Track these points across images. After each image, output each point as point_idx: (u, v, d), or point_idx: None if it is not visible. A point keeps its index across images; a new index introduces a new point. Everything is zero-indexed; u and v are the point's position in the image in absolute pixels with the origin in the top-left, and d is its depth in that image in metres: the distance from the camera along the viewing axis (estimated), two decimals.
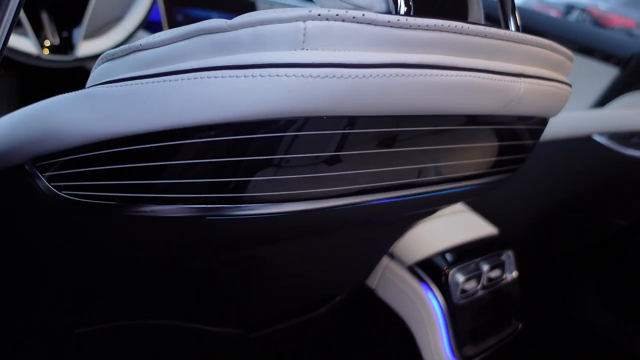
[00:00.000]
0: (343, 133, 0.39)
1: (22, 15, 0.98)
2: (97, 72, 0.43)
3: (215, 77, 0.34)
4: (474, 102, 0.43)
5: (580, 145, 1.02)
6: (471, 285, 0.94)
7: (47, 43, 1.02)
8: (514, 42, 0.45)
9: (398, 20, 0.35)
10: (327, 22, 0.34)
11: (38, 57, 1.00)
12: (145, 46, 0.39)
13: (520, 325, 1.04)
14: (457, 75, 0.39)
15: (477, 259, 0.98)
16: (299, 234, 0.53)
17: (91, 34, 1.08)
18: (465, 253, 0.97)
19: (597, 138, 1.00)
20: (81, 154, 0.40)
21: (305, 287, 0.72)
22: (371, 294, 0.96)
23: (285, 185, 0.41)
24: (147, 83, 0.36)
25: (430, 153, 0.50)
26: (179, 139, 0.37)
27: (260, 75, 0.33)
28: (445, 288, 0.90)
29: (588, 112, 1.02)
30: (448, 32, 0.38)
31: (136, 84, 0.36)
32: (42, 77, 1.14)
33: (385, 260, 0.94)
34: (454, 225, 1.02)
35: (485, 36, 0.41)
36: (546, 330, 1.54)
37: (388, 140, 0.44)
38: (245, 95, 0.33)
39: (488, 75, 0.42)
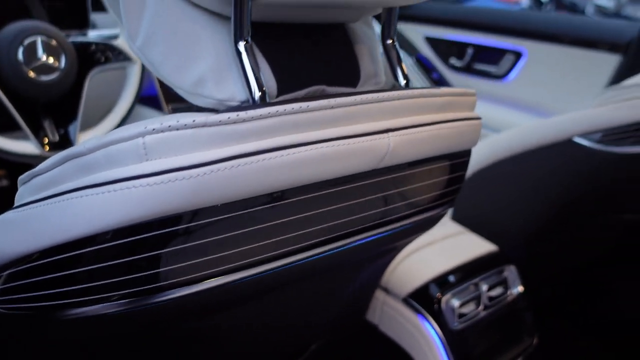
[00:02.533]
0: (234, 215, 0.44)
1: (21, 120, 1.08)
2: (16, 196, 0.49)
3: (80, 196, 0.39)
4: (340, 168, 0.46)
5: (564, 149, 1.01)
6: (470, 307, 0.94)
7: (46, 140, 1.12)
8: (375, 102, 0.48)
9: (229, 117, 0.39)
10: (162, 133, 0.38)
11: (41, 156, 1.10)
12: (38, 172, 0.45)
13: (535, 340, 1.03)
14: (302, 151, 0.42)
15: (475, 280, 0.98)
16: (237, 300, 0.57)
17: (87, 125, 1.18)
18: (461, 275, 0.97)
19: (578, 139, 1.00)
20: (2, 272, 0.46)
21: (274, 343, 0.75)
22: (374, 330, 0.97)
23: (197, 266, 0.45)
24: (35, 207, 0.42)
25: (342, 208, 0.53)
26: (76, 250, 0.42)
27: (114, 190, 0.38)
28: (439, 316, 0.91)
29: (564, 116, 1.01)
30: (285, 114, 0.42)
31: (30, 208, 0.42)
32: None
33: (382, 295, 0.96)
34: (449, 249, 1.03)
35: (332, 107, 0.45)
36: (598, 330, 1.50)
37: (283, 211, 0.47)
38: (105, 209, 0.38)
39: (341, 142, 0.45)
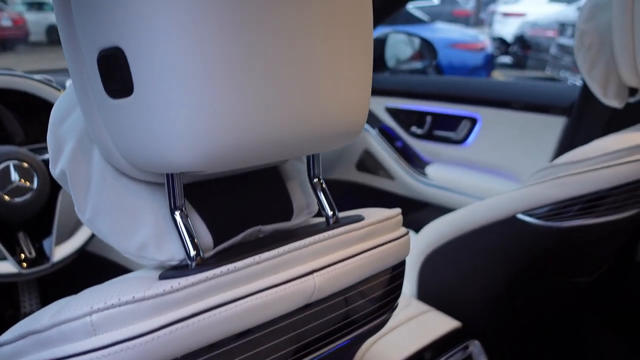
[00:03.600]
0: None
1: None
2: None
3: None
4: (271, 313, 0.52)
5: (508, 226, 1.08)
6: None
7: (23, 257, 1.17)
8: (298, 249, 0.54)
9: (164, 290, 0.46)
10: (106, 311, 0.44)
11: (20, 274, 1.15)
12: (2, 342, 0.50)
13: None
14: (234, 307, 0.48)
15: (440, 359, 1.03)
16: None
17: (62, 238, 1.23)
18: (425, 357, 1.02)
19: (520, 216, 1.07)
20: None
21: None
22: None
23: None
24: None
25: (285, 340, 0.59)
26: None
27: None
28: None
29: (506, 194, 1.09)
30: (215, 278, 0.48)
31: None
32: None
33: None
34: (414, 331, 1.08)
35: (258, 263, 0.51)
36: None
37: (231, 353, 0.53)
38: None
39: (269, 292, 0.51)
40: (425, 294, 1.24)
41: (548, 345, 1.58)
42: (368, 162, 2.22)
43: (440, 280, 1.23)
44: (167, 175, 0.51)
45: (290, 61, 0.48)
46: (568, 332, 1.59)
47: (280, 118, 0.48)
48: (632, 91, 1.18)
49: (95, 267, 1.59)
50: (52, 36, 13.59)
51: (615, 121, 1.51)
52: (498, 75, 8.35)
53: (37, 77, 1.28)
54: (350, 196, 2.29)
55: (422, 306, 1.16)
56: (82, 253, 1.29)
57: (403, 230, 0.68)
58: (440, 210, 1.83)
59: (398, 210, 0.68)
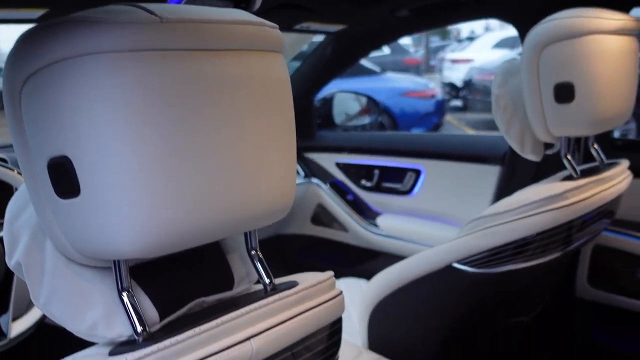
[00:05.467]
0: None
1: None
2: None
3: None
4: None
5: (446, 274, 1.17)
6: None
7: None
8: (234, 319, 0.61)
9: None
10: None
11: None
12: None
13: None
14: None
15: None
16: None
17: (18, 313, 1.26)
18: None
19: (456, 265, 1.15)
20: None
21: None
22: None
23: None
24: None
25: None
26: None
27: None
28: None
29: (442, 246, 1.18)
30: (158, 352, 0.54)
31: None
32: None
33: None
34: None
35: (197, 334, 0.57)
36: None
37: None
38: None
39: (211, 359, 0.57)
40: (376, 344, 1.30)
41: None
42: (322, 216, 2.29)
43: (389, 329, 1.29)
44: (114, 261, 0.57)
45: (221, 154, 0.55)
46: None
47: (214, 205, 0.56)
48: (548, 145, 1.30)
49: (53, 338, 1.59)
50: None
51: (543, 168, 1.64)
52: (450, 118, 8.65)
53: None
54: (306, 250, 2.36)
55: (373, 356, 1.22)
56: (41, 326, 1.31)
57: (336, 291, 0.75)
58: (392, 258, 1.91)
59: (330, 273, 0.75)
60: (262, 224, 0.65)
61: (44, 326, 1.48)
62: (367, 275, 1.58)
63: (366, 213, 2.18)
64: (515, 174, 1.73)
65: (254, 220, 0.62)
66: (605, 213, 1.30)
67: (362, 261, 2.15)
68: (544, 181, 1.26)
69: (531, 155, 1.25)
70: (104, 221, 0.51)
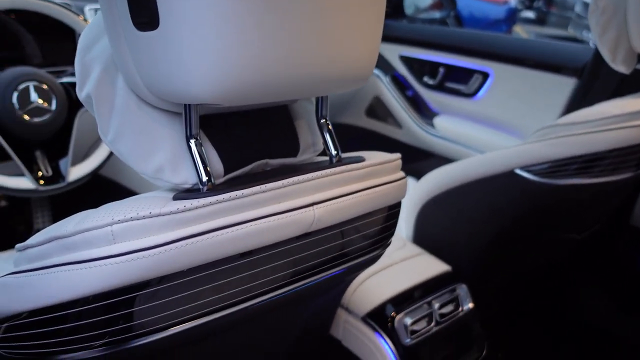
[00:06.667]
0: (196, 277, 0.55)
1: (17, 158, 1.19)
2: (14, 261, 0.60)
3: (65, 270, 0.50)
4: (274, 237, 0.57)
5: (506, 179, 1.13)
6: (422, 324, 1.06)
7: (40, 174, 1.22)
8: (300, 183, 0.59)
9: (177, 208, 0.51)
10: (126, 223, 0.49)
11: (36, 190, 1.21)
12: (31, 245, 0.56)
13: (484, 352, 1.14)
14: (239, 229, 0.54)
15: (429, 298, 1.09)
16: (204, 338, 0.68)
17: (78, 159, 1.29)
18: (415, 295, 1.09)
19: (518, 171, 1.11)
20: (1, 324, 0.57)
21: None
22: (339, 344, 1.09)
23: (165, 317, 0.56)
24: (28, 276, 0.53)
25: (300, 258, 0.65)
26: (60, 311, 0.53)
27: (90, 267, 0.49)
28: (393, 333, 1.02)
29: (507, 150, 1.12)
30: (224, 202, 0.53)
31: (24, 276, 0.53)
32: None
33: (344, 314, 1.07)
34: (406, 271, 1.14)
35: (264, 191, 0.56)
36: (556, 333, 1.62)
37: (238, 269, 0.59)
38: (84, 281, 0.49)
39: (272, 218, 0.56)
40: (421, 238, 1.29)
41: (533, 297, 1.65)
42: (378, 109, 2.24)
43: (435, 226, 1.28)
44: (185, 105, 0.55)
45: (308, 10, 0.51)
46: (554, 286, 1.66)
47: (293, 59, 0.52)
48: None
49: (106, 190, 1.65)
50: None
51: (625, 86, 1.52)
52: (519, 30, 8.16)
53: (55, 0, 1.30)
54: (357, 141, 2.33)
55: (416, 249, 1.22)
56: (96, 176, 1.34)
57: (401, 174, 0.72)
58: (444, 160, 1.86)
59: (398, 155, 0.72)
60: (339, 89, 0.61)
61: (99, 177, 1.52)
62: (416, 175, 1.55)
63: (424, 112, 2.11)
64: (593, 89, 1.61)
65: (330, 84, 0.59)
66: None
67: (412, 160, 2.11)
68: (629, 96, 1.16)
69: (621, 66, 1.15)
70: (179, 60, 0.48)
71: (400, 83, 2.16)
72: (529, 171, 1.09)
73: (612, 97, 1.25)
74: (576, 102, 1.66)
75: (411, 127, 2.09)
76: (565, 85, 1.71)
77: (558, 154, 1.06)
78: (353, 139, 2.33)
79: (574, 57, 1.70)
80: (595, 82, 1.62)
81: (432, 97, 2.09)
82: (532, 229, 1.23)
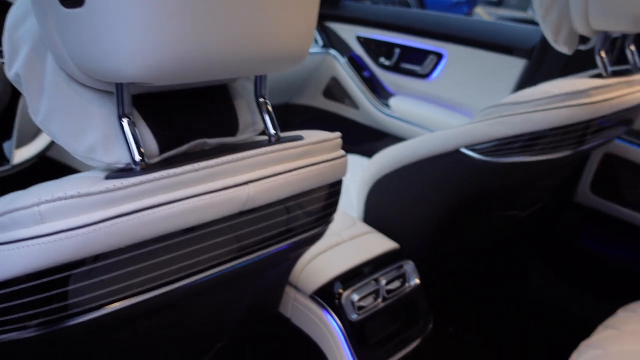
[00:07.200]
0: (130, 256, 0.55)
1: None
2: None
3: None
4: (207, 215, 0.58)
5: (452, 158, 1.15)
6: (369, 301, 1.08)
7: None
8: (234, 161, 0.59)
9: (107, 187, 0.51)
10: (53, 202, 0.49)
11: None
12: None
13: (430, 325, 1.18)
14: (171, 208, 0.54)
15: (376, 275, 1.12)
16: (145, 315, 0.69)
17: (24, 142, 1.26)
18: (362, 272, 1.11)
19: (464, 150, 1.13)
20: None
21: (190, 342, 0.87)
22: (287, 322, 1.10)
23: (101, 296, 0.56)
24: None
25: (242, 234, 0.65)
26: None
27: (18, 247, 0.49)
28: (340, 310, 1.04)
29: (452, 129, 1.15)
30: (156, 180, 0.53)
31: None
32: None
33: (292, 291, 1.09)
34: (354, 248, 1.16)
35: (197, 170, 0.56)
36: (503, 305, 1.68)
37: (177, 246, 0.59)
38: (12, 261, 0.49)
39: (205, 197, 0.56)
40: (371, 217, 1.32)
41: (481, 274, 1.70)
42: (335, 90, 2.25)
43: (385, 205, 1.31)
44: (117, 84, 0.55)
45: None
46: (501, 262, 1.72)
47: (227, 37, 0.52)
48: (584, 39, 1.22)
49: (54, 172, 1.62)
50: None
51: (571, 67, 1.57)
52: (481, 12, 8.24)
53: None
54: (314, 122, 2.33)
55: (366, 227, 1.24)
56: (43, 159, 1.32)
57: (340, 152, 0.73)
58: (399, 141, 1.89)
59: (337, 133, 0.73)
60: (274, 69, 0.62)
61: (46, 159, 1.49)
62: (372, 154, 1.58)
63: (380, 92, 2.13)
64: (541, 69, 1.66)
65: (265, 63, 0.59)
66: (624, 120, 1.26)
67: (369, 140, 2.14)
68: (571, 76, 1.20)
69: (563, 46, 1.19)
70: (107, 37, 0.48)
71: (357, 63, 2.17)
72: (474, 150, 1.12)
73: (559, 77, 1.29)
74: (525, 82, 1.71)
75: (367, 108, 2.11)
76: (515, 66, 1.75)
77: (501, 133, 1.09)
78: (310, 120, 2.34)
79: (524, 39, 1.74)
80: (543, 62, 1.67)
81: (387, 78, 2.11)
82: (478, 207, 1.27)
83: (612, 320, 1.13)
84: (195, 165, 0.56)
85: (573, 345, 1.07)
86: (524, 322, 1.68)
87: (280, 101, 2.30)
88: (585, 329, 1.11)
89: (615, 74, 1.18)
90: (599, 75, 1.18)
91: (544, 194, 1.46)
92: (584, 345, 1.07)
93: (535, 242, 1.74)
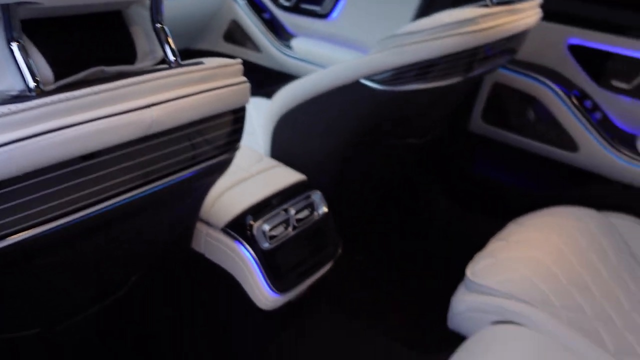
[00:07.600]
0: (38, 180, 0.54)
1: None
2: None
3: None
4: (111, 139, 0.58)
5: (353, 90, 1.19)
6: (279, 230, 1.12)
7: None
8: (135, 84, 0.59)
9: (1, 112, 0.49)
10: None
11: None
12: None
13: (340, 250, 1.24)
14: (72, 131, 0.53)
15: (285, 205, 1.15)
16: (57, 245, 0.67)
17: None
18: (272, 203, 1.14)
19: (363, 81, 1.18)
20: None
21: (104, 274, 0.87)
22: (201, 258, 1.12)
23: (12, 222, 0.55)
24: None
25: (145, 161, 0.65)
26: None
27: None
28: (252, 240, 1.07)
29: (352, 61, 1.18)
30: (53, 104, 0.52)
31: None
32: None
33: (204, 227, 1.10)
34: (262, 182, 1.19)
35: (96, 93, 0.55)
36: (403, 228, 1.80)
37: (85, 171, 0.58)
38: None
39: (105, 120, 0.56)
40: (277, 153, 1.34)
41: (384, 202, 1.79)
42: (236, 34, 2.21)
43: (291, 140, 1.33)
44: (2, 5, 0.52)
45: None
46: (402, 190, 1.81)
47: None
48: None
49: None
50: None
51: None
52: None
53: None
54: None
55: (273, 162, 1.27)
56: None
57: (242, 78, 0.74)
58: None
59: (238, 60, 0.74)
60: None
61: None
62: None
63: (282, 34, 2.12)
64: (436, 2, 1.72)
65: None
66: (508, 49, 1.35)
67: (273, 83, 2.14)
68: (464, 6, 1.26)
69: None
70: None
71: (256, 5, 2.14)
72: (372, 80, 1.16)
73: (454, 6, 1.35)
74: (423, 14, 1.76)
75: (270, 51, 2.10)
76: (412, 1, 1.81)
77: (398, 62, 1.14)
78: None
79: None
80: None
81: (288, 20, 2.11)
82: (378, 137, 1.33)
83: (502, 234, 1.24)
84: (95, 89, 0.55)
85: (470, 260, 1.17)
86: (426, 245, 1.79)
87: (179, 46, 2.23)
88: (480, 246, 1.21)
89: (500, 3, 1.25)
90: (486, 5, 1.25)
91: (438, 121, 1.54)
92: (477, 257, 1.17)
93: (433, 171, 1.85)
